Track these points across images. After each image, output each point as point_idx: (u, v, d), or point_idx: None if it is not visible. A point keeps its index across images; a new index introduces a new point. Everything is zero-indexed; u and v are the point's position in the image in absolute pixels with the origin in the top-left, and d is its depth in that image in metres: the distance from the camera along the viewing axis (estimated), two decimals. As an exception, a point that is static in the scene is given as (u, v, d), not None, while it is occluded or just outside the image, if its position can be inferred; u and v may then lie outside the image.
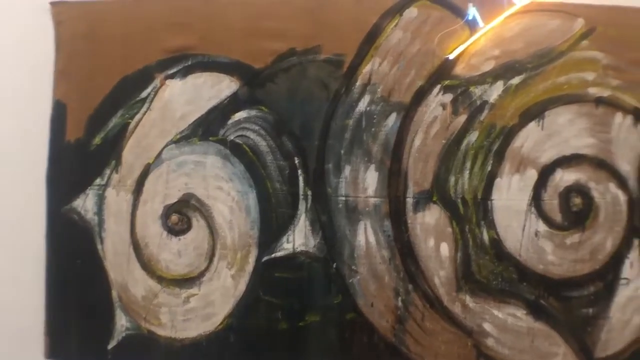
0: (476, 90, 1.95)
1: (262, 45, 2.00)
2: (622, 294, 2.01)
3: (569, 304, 2.02)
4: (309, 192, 1.95)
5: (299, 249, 1.95)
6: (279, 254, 1.96)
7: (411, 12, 1.99)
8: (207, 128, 2.01)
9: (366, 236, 1.98)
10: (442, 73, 1.96)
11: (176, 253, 2.00)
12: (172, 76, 2.04)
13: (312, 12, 1.96)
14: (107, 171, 2.02)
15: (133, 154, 2.00)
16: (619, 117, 1.98)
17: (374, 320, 1.97)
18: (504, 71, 1.98)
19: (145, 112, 1.96)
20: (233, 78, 2.00)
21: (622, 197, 1.98)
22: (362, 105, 1.97)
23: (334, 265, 1.95)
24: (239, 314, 1.99)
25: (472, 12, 1.94)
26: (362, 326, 1.96)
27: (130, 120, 2.00)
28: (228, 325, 1.98)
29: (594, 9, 2.01)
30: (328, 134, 1.96)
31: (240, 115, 1.98)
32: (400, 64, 1.95)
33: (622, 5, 1.99)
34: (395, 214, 1.96)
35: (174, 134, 2.01)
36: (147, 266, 1.94)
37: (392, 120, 1.97)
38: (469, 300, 2.00)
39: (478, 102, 1.95)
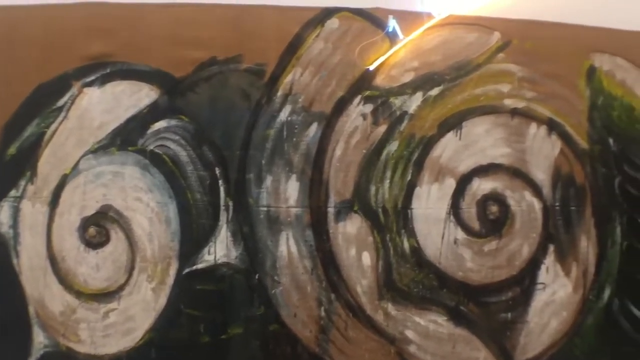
0: (396, 101, 2.02)
1: (183, 54, 2.01)
2: (539, 299, 2.12)
3: (488, 309, 2.10)
4: (230, 203, 1.98)
5: (220, 261, 1.97)
6: (200, 265, 1.98)
7: (333, 23, 2.04)
8: (126, 138, 2.00)
9: (288, 246, 2.02)
10: (362, 84, 2.03)
11: (94, 267, 2.00)
12: (90, 84, 2.03)
13: (234, 21, 1.99)
14: (22, 182, 1.99)
15: (49, 165, 1.98)
16: (533, 127, 2.10)
17: (297, 331, 2.02)
18: (423, 82, 2.06)
19: (62, 121, 1.97)
20: (153, 86, 2.00)
21: (537, 204, 2.09)
22: (284, 115, 2.01)
23: (256, 277, 1.99)
24: (160, 328, 1.99)
25: (392, 24, 2.02)
26: (286, 337, 2.00)
27: (46, 130, 1.98)
28: (149, 340, 1.98)
29: (509, 23, 2.11)
30: (249, 144, 1.99)
31: (160, 124, 1.99)
32: (321, 75, 2.00)
33: (537, 20, 2.11)
34: (317, 224, 2.01)
35: (91, 144, 2.01)
36: (65, 281, 1.96)
37: (313, 130, 2.02)
38: (391, 308, 2.06)
39: (398, 113, 2.03)
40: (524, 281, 2.14)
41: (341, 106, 1.85)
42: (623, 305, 2.18)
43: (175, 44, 1.96)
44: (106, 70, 1.97)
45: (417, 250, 2.00)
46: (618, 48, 2.23)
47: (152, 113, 1.85)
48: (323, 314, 2.01)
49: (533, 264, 2.16)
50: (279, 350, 1.98)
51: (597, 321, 2.23)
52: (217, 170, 1.88)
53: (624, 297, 2.20)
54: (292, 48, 1.89)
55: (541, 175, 2.12)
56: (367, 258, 1.90)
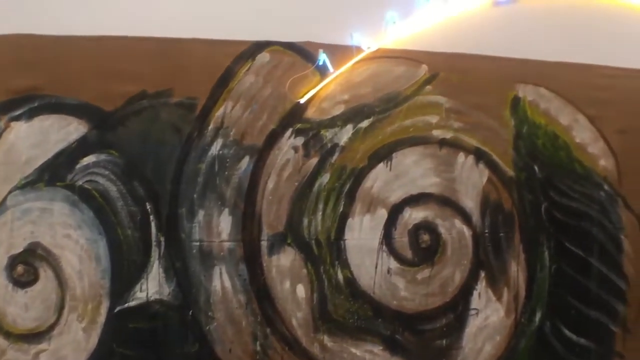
0: (327, 134, 2.13)
1: (113, 87, 2.08)
2: (473, 324, 2.26)
3: (423, 337, 2.24)
4: (162, 238, 2.05)
5: (153, 298, 2.02)
6: (132, 303, 2.03)
7: (263, 56, 2.15)
8: (54, 173, 2.07)
9: (222, 281, 2.09)
10: (293, 117, 2.15)
11: (23, 306, 2.05)
12: (17, 118, 2.08)
13: (165, 54, 2.09)
14: (-52, 220, 1.89)
15: (-25, 201, 1.91)
16: (461, 157, 2.25)
17: (233, 367, 1.94)
18: (353, 115, 2.20)
19: (-12, 156, 1.90)
20: (82, 120, 2.07)
21: (467, 232, 2.23)
22: (215, 149, 2.09)
23: (190, 313, 2.05)
24: (93, 369, 1.91)
25: (323, 57, 2.15)
26: (222, 373, 1.93)
27: (-28, 165, 1.90)
28: (81, 381, 1.91)
29: (436, 56, 2.29)
30: (181, 178, 2.08)
31: (89, 159, 2.06)
32: (252, 108, 2.11)
33: (463, 53, 2.29)
34: (251, 258, 2.10)
35: (18, 180, 2.06)
36: (-7, 321, 1.88)
37: (245, 163, 2.12)
38: (327, 340, 2.16)
39: (329, 145, 2.15)
40: (458, 307, 2.28)
41: (273, 139, 1.92)
42: (554, 327, 2.34)
43: (105, 77, 2.03)
44: (34, 103, 2.03)
45: (351, 281, 2.00)
46: (541, 78, 2.43)
47: (81, 147, 1.91)
48: (259, 348, 2.08)
49: (465, 290, 2.30)
50: (216, 387, 1.88)
51: (530, 344, 2.39)
52: (148, 205, 1.94)
53: (555, 319, 2.38)
54: (223, 82, 1.95)
55: (470, 203, 2.27)
56: (301, 290, 1.96)
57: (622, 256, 2.48)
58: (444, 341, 2.25)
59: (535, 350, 2.39)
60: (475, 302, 2.30)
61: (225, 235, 1.88)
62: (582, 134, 2.43)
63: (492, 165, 2.29)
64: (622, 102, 2.48)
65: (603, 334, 2.49)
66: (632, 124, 2.50)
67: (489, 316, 2.29)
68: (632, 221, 2.49)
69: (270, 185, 1.88)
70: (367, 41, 1.96)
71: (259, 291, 1.90)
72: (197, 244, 1.86)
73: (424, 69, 2.28)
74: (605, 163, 2.45)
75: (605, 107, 2.47)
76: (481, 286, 2.29)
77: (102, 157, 1.93)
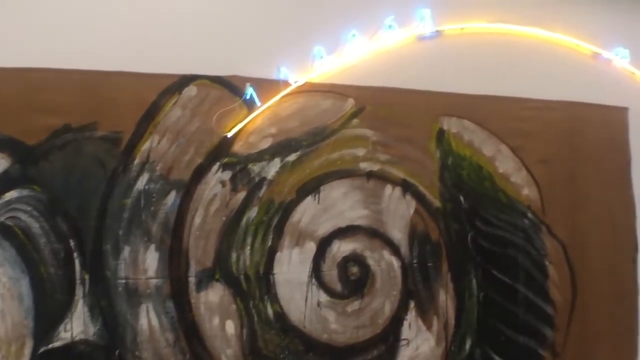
0: (254, 168, 2.23)
1: (37, 121, 2.10)
2: (404, 354, 2.44)
3: None
4: (87, 276, 2.09)
5: (78, 338, 2.06)
6: (56, 344, 2.06)
7: (190, 90, 2.23)
8: (-25, 209, 1.99)
9: (149, 319, 2.12)
10: (220, 151, 2.24)
11: None
12: None
13: (90, 87, 2.14)
14: None
15: None
16: (388, 188, 2.39)
17: (163, 409, 2.03)
18: (280, 148, 2.32)
19: None
20: (4, 155, 2.07)
21: (395, 263, 2.38)
22: (141, 184, 2.14)
23: (117, 353, 2.08)
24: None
25: (250, 91, 2.28)
26: (152, 414, 2.01)
27: None
28: None
29: (363, 90, 2.44)
30: (105, 214, 2.13)
31: (11, 195, 2.07)
32: (179, 142, 2.18)
33: (389, 87, 2.46)
34: (178, 295, 2.16)
35: None
36: None
37: (172, 198, 2.17)
38: None
39: (257, 179, 2.26)
40: (388, 338, 2.41)
41: (199, 173, 1.97)
42: (485, 354, 2.51)
43: (28, 110, 2.04)
44: (-44, 137, 1.93)
45: (281, 316, 2.07)
46: (465, 111, 2.60)
47: (2, 183, 1.77)
48: None
49: (396, 321, 2.44)
50: None
51: None
52: (72, 242, 1.83)
53: (485, 346, 2.55)
54: (149, 115, 1.97)
55: (398, 234, 2.39)
56: (231, 327, 2.01)
57: (548, 282, 2.64)
58: (376, 373, 2.23)
59: (467, 378, 2.42)
60: (406, 332, 2.44)
61: (151, 272, 1.89)
62: (506, 165, 2.59)
63: (418, 197, 2.41)
64: (543, 133, 2.67)
65: (532, 359, 2.57)
66: (553, 153, 2.69)
67: (419, 346, 2.41)
68: (556, 247, 2.65)
69: (198, 220, 1.92)
70: (295, 75, 2.09)
71: (188, 329, 1.92)
72: (123, 281, 1.86)
73: (350, 103, 2.42)
74: (528, 192, 2.62)
75: (527, 137, 2.64)
76: (411, 316, 2.42)
77: (25, 192, 1.83)
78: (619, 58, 2.99)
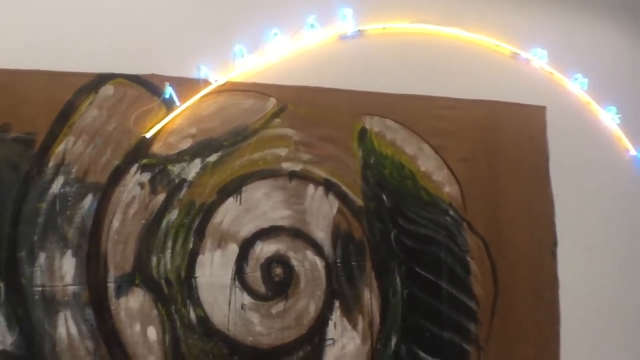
0: (174, 169, 2.25)
1: (-55, 123, 2.01)
2: (330, 354, 2.52)
3: None
4: (1, 284, 2.06)
5: None
6: None
7: (107, 89, 2.24)
8: None
9: (67, 327, 2.10)
10: (139, 152, 2.25)
11: None
12: None
13: (2, 87, 2.10)
14: None
15: None
16: (311, 188, 2.47)
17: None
18: (201, 149, 2.34)
19: None
20: None
21: (319, 263, 2.47)
22: (56, 187, 2.13)
23: None
24: None
25: (169, 91, 2.30)
26: None
27: None
28: None
29: (284, 89, 2.51)
30: (19, 219, 2.11)
31: None
32: (95, 143, 2.18)
33: (311, 86, 2.54)
34: (97, 301, 2.15)
35: None
36: None
37: (89, 201, 2.17)
38: None
39: (176, 180, 2.27)
40: (314, 339, 2.48)
41: (117, 176, 1.96)
42: (410, 351, 2.64)
43: None
44: None
45: (204, 320, 2.08)
46: (387, 110, 2.71)
47: None
48: None
49: (321, 321, 2.51)
50: None
51: None
52: None
53: (411, 342, 2.69)
54: (64, 116, 1.96)
55: (321, 234, 2.49)
56: (152, 333, 1.99)
57: (470, 278, 2.79)
58: (302, 374, 2.31)
59: (393, 375, 2.53)
60: (331, 332, 2.51)
61: (69, 278, 1.88)
62: (427, 163, 2.72)
63: (341, 196, 2.50)
64: (463, 131, 2.82)
65: (457, 354, 2.79)
66: (473, 151, 2.84)
67: (345, 345, 2.51)
68: (477, 244, 2.81)
69: (116, 223, 1.91)
70: (215, 74, 2.10)
71: (108, 336, 1.91)
72: (40, 289, 1.85)
73: (272, 102, 2.48)
74: (449, 190, 2.76)
75: (448, 136, 2.79)
76: (336, 316, 2.50)
77: None
78: (537, 58, 3.20)
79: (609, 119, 3.47)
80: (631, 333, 3.50)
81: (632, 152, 3.54)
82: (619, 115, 3.47)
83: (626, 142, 3.55)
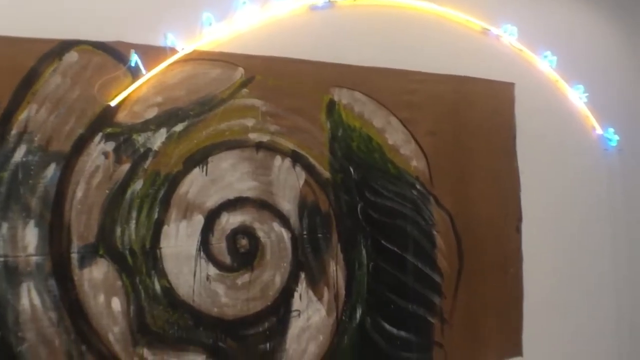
0: (139, 138, 2.23)
1: None
2: (295, 325, 2.55)
3: (246, 342, 2.46)
4: None
5: None
6: None
7: (71, 56, 2.18)
8: None
9: (30, 299, 2.07)
10: (103, 120, 2.22)
11: None
12: None
13: None
14: None
15: None
16: (278, 160, 2.49)
17: (49, 389, 2.02)
18: (167, 118, 2.32)
19: None
20: None
21: (285, 234, 2.50)
22: (18, 156, 2.08)
23: None
24: None
25: (135, 58, 2.26)
26: (37, 398, 2.00)
27: None
28: None
29: (253, 60, 2.50)
30: None
31: None
32: (59, 111, 2.13)
33: (280, 57, 2.54)
34: (60, 272, 2.12)
35: None
36: None
37: (52, 171, 2.12)
38: (147, 353, 2.27)
39: (142, 150, 2.25)
40: (279, 310, 2.51)
41: (81, 144, 1.92)
42: (375, 323, 2.67)
43: None
44: None
45: (169, 291, 2.07)
46: (356, 83, 2.73)
47: None
48: None
49: (286, 293, 2.54)
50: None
51: (353, 341, 2.71)
52: None
53: (376, 315, 2.72)
54: (27, 83, 1.88)
55: (288, 205, 2.51)
56: (117, 304, 1.99)
57: (436, 251, 2.85)
58: (268, 345, 2.47)
59: (358, 346, 2.72)
60: (297, 303, 2.55)
61: (31, 249, 1.84)
62: (395, 136, 2.75)
63: (308, 168, 2.53)
64: (431, 105, 2.86)
65: (422, 326, 2.85)
66: (441, 126, 2.88)
67: (311, 316, 2.54)
68: (443, 218, 2.87)
69: (79, 193, 1.88)
70: (182, 42, 2.05)
71: (72, 307, 1.88)
72: (2, 259, 1.80)
73: (240, 72, 2.46)
74: (417, 164, 2.80)
75: (416, 110, 2.82)
76: (302, 287, 2.54)
77: None
78: (507, 35, 3.23)
79: (576, 97, 3.53)
80: (593, 308, 3.60)
81: (599, 130, 3.62)
82: (587, 94, 3.52)
83: (593, 121, 3.62)
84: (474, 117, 3.06)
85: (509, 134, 3.21)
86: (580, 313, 3.63)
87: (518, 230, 3.24)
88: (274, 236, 2.48)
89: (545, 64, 3.42)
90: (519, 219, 3.24)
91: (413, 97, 2.83)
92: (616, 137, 3.78)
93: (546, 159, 3.40)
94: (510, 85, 3.23)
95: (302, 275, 2.55)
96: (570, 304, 3.56)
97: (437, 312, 2.89)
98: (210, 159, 2.39)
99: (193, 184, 2.35)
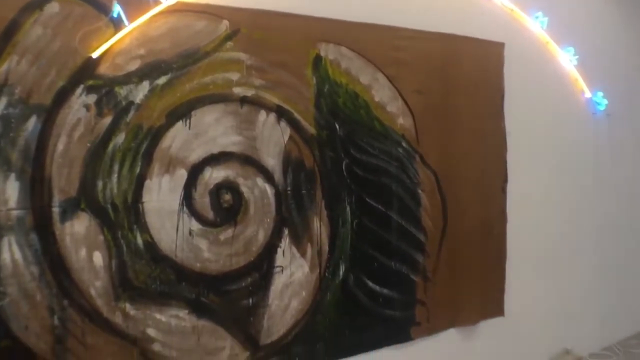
0: (121, 91, 2.22)
1: None
2: (278, 281, 2.57)
3: (229, 297, 2.48)
4: None
5: None
6: None
7: (52, 7, 2.14)
8: None
9: (11, 253, 2.06)
10: (85, 73, 2.19)
11: None
12: None
13: None
14: None
15: None
16: (262, 115, 2.49)
17: (31, 344, 2.09)
18: (150, 71, 2.30)
19: None
20: None
21: (269, 190, 2.52)
22: None
23: None
24: None
25: (117, 9, 2.23)
26: (20, 353, 2.05)
27: None
28: None
29: (238, 12, 2.46)
30: None
31: None
32: (40, 63, 2.09)
33: (266, 10, 2.51)
34: (42, 226, 2.11)
35: None
36: None
37: (32, 123, 2.10)
38: (129, 308, 2.27)
39: (124, 103, 2.23)
40: (262, 266, 2.54)
41: (62, 97, 1.90)
42: (358, 279, 2.68)
43: None
44: None
45: (151, 245, 2.09)
46: (343, 38, 2.71)
47: None
48: (57, 322, 1.96)
49: (269, 249, 2.57)
50: (14, 368, 1.95)
51: (336, 297, 2.73)
52: None
53: (358, 271, 2.70)
54: (7, 34, 1.85)
55: (272, 161, 2.53)
56: (99, 258, 2.01)
57: (420, 210, 2.86)
58: (250, 300, 2.49)
59: (341, 303, 2.74)
60: (280, 259, 2.58)
61: (12, 202, 1.84)
62: (382, 93, 2.75)
63: (293, 123, 2.53)
64: (419, 63, 2.84)
65: (405, 284, 2.86)
66: (428, 84, 2.87)
67: (294, 272, 2.57)
68: (428, 176, 2.88)
69: (61, 146, 1.88)
70: None
71: (53, 261, 1.89)
72: None
73: (225, 25, 2.29)
74: (403, 121, 2.79)
75: (403, 67, 2.81)
76: (285, 243, 2.57)
77: None
78: (498, -7, 3.18)
79: (566, 59, 3.52)
80: (576, 269, 3.65)
81: (588, 94, 3.61)
82: (577, 57, 3.50)
83: (582, 84, 3.61)
84: (462, 76, 3.04)
85: (497, 94, 3.20)
86: (564, 274, 3.68)
87: (503, 190, 3.26)
88: (258, 192, 2.49)
89: (536, 25, 3.40)
90: (505, 179, 3.26)
91: (401, 54, 2.80)
92: (605, 101, 3.77)
93: (534, 121, 3.41)
94: (500, 45, 3.21)
95: (286, 231, 2.56)
96: (553, 265, 3.61)
97: (420, 270, 2.91)
98: (193, 112, 2.37)
99: (176, 138, 2.34)
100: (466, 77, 3.00)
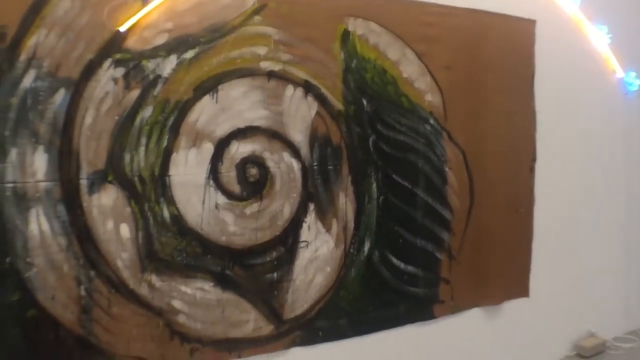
0: (149, 65, 2.22)
1: None
2: (303, 256, 2.55)
3: (254, 271, 2.47)
4: None
5: None
6: None
7: (80, -20, 2.08)
8: None
9: (39, 224, 2.07)
10: (112, 46, 2.18)
11: None
12: None
13: None
14: None
15: None
16: (290, 89, 2.48)
17: (58, 314, 2.11)
18: (177, 45, 2.29)
19: None
20: None
21: (295, 165, 2.51)
22: (28, 82, 2.05)
23: (7, 260, 2.03)
24: None
25: None
26: (46, 322, 2.07)
27: None
28: None
29: None
30: None
31: None
32: (68, 36, 2.10)
33: None
34: (70, 198, 2.12)
35: None
36: None
37: (61, 97, 2.10)
38: (155, 279, 2.29)
39: (151, 77, 2.24)
40: (288, 240, 2.53)
41: (90, 70, 1.92)
42: (383, 256, 2.66)
43: None
44: None
45: (177, 218, 2.11)
46: (371, 13, 2.69)
47: None
48: (83, 293, 1.99)
49: (295, 223, 2.56)
50: (41, 337, 1.90)
51: (360, 273, 2.72)
52: None
53: (383, 248, 2.68)
54: (36, 8, 1.85)
55: (299, 136, 2.51)
56: (125, 230, 2.02)
57: (447, 188, 2.83)
58: (275, 274, 2.49)
59: (365, 279, 2.72)
60: (305, 234, 2.57)
61: (41, 175, 1.85)
62: (410, 69, 2.71)
63: (321, 99, 2.49)
64: (448, 39, 2.79)
65: (430, 262, 2.84)
66: (457, 60, 2.82)
67: (318, 248, 2.55)
68: (456, 154, 2.83)
69: (89, 119, 1.90)
70: None
71: (80, 233, 1.92)
72: (11, 185, 1.80)
73: None
74: (431, 98, 2.75)
75: (432, 43, 2.77)
76: (310, 218, 2.55)
77: None
78: (529, -31, 3.09)
79: (599, 38, 3.41)
80: (603, 251, 3.58)
81: (620, 74, 3.51)
82: (610, 35, 3.39)
83: (614, 64, 3.50)
84: (492, 54, 2.98)
85: (527, 72, 3.14)
86: (590, 257, 3.61)
87: (532, 170, 3.20)
88: (284, 166, 2.49)
89: (569, 2, 3.30)
90: (533, 159, 3.20)
91: (430, 30, 2.77)
92: (637, 82, 3.66)
93: (564, 101, 3.33)
94: (531, 23, 3.14)
95: (312, 206, 2.56)
96: (580, 246, 3.55)
97: (445, 248, 2.88)
98: (220, 86, 2.36)
99: (203, 111, 2.33)
100: (496, 55, 2.93)
